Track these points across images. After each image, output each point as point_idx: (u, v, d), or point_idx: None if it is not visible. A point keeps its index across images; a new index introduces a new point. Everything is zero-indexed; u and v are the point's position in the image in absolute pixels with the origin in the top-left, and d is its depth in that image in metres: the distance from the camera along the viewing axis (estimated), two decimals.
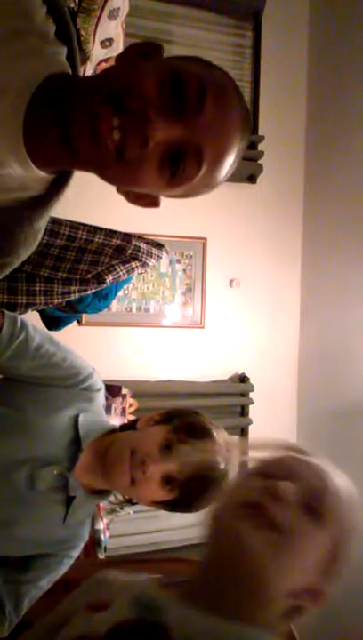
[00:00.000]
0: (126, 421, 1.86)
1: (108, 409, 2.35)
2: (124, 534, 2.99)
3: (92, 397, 1.19)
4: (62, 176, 0.76)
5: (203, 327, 3.32)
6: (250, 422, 3.32)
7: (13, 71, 0.66)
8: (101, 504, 2.32)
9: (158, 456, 1.03)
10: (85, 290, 1.46)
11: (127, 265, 1.49)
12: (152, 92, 0.62)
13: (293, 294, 3.51)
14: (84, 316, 2.31)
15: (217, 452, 1.05)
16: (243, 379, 3.36)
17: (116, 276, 1.47)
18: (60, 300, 1.46)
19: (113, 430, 1.18)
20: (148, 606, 0.72)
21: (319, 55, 3.39)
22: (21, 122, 0.66)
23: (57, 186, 0.76)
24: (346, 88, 3.11)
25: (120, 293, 2.07)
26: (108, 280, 1.45)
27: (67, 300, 1.47)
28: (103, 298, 1.62)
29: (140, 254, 1.48)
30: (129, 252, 1.47)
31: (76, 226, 1.42)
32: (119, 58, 0.71)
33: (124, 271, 1.48)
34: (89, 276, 1.44)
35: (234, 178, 0.99)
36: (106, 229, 1.46)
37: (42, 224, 0.77)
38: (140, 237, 1.51)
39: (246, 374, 3.36)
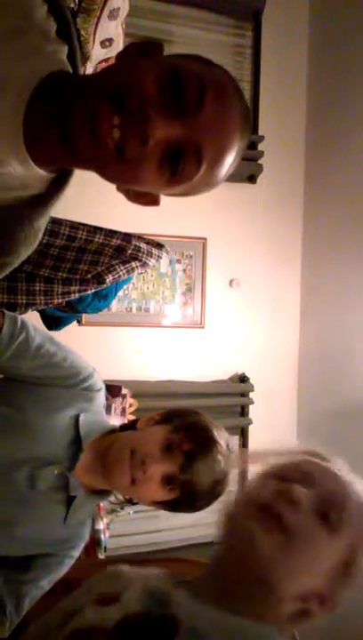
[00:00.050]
0: (126, 421, 1.86)
1: (108, 409, 2.35)
2: (124, 534, 2.99)
3: (92, 397, 1.19)
4: (62, 175, 0.76)
5: (203, 327, 3.32)
6: (250, 422, 3.32)
7: (13, 70, 0.66)
8: (102, 504, 2.32)
9: (159, 456, 1.03)
10: (85, 290, 1.46)
11: (127, 265, 1.49)
12: (152, 91, 0.61)
13: (293, 294, 3.50)
14: (84, 315, 2.31)
15: (219, 452, 1.05)
16: (243, 379, 3.36)
17: (116, 275, 1.47)
18: (60, 300, 1.46)
19: (113, 430, 1.18)
20: (159, 600, 0.73)
21: (319, 55, 3.40)
22: (21, 120, 0.66)
23: (57, 185, 0.75)
24: (346, 88, 3.12)
25: (120, 293, 2.07)
26: (108, 280, 1.45)
27: (67, 299, 1.47)
28: (103, 298, 1.62)
29: (140, 254, 1.48)
30: (129, 252, 1.47)
31: (76, 226, 1.42)
32: (119, 56, 0.71)
33: (124, 271, 1.48)
34: (89, 275, 1.44)
35: (234, 178, 0.99)
36: (106, 229, 1.46)
37: (42, 223, 0.77)
38: (140, 237, 1.51)
39: (246, 374, 3.36)
